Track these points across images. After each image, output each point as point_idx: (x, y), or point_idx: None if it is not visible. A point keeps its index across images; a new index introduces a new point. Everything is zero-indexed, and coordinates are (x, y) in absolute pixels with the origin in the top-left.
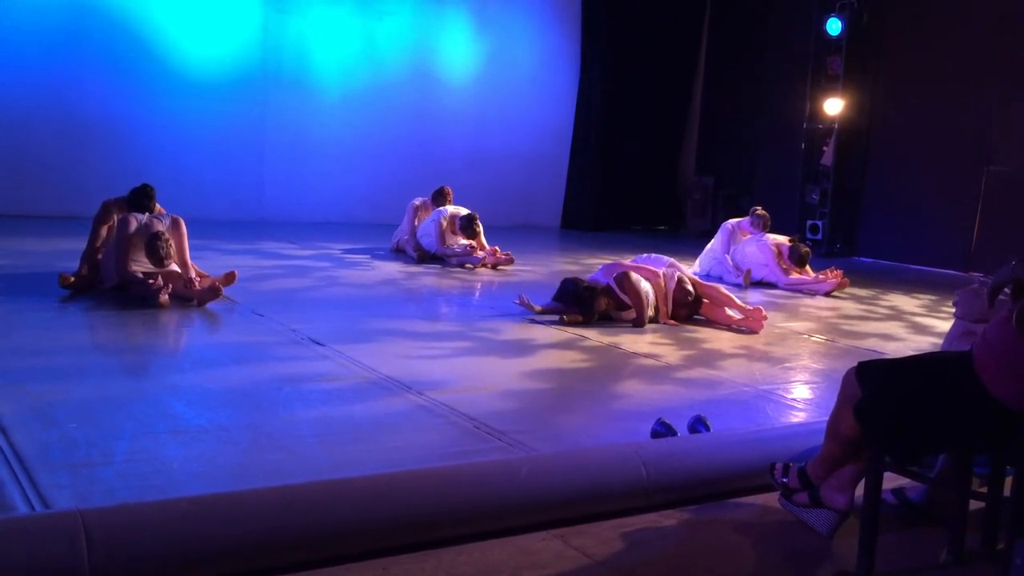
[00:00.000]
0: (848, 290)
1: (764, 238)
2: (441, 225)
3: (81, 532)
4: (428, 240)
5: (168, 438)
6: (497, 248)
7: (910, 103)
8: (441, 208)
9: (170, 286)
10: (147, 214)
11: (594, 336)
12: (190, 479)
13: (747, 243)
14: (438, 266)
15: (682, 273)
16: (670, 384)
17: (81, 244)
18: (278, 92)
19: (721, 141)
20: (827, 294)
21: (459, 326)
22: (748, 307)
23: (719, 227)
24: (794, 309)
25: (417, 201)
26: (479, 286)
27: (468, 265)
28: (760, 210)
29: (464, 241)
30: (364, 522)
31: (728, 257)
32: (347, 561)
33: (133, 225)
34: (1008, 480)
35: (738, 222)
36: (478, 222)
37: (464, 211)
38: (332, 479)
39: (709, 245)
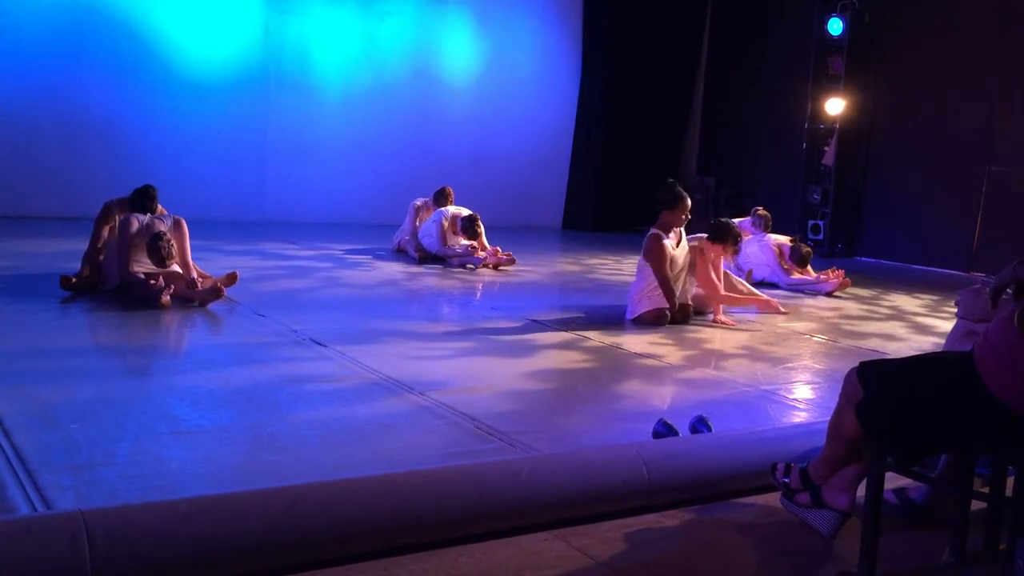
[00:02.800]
0: (850, 290)
1: (765, 238)
2: (442, 226)
3: (83, 533)
4: (429, 240)
5: (170, 439)
6: (498, 248)
7: (911, 103)
8: (442, 209)
9: (172, 287)
10: (149, 215)
11: (595, 336)
12: (192, 480)
13: (748, 243)
14: (439, 267)
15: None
16: (671, 384)
17: (82, 245)
18: (279, 93)
19: (722, 141)
20: (829, 294)
21: (460, 326)
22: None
23: None
24: (795, 309)
25: (419, 201)
26: (480, 287)
27: (469, 265)
28: (761, 210)
29: (465, 242)
30: (366, 523)
31: None
32: (349, 562)
33: (135, 226)
34: (1010, 480)
35: (739, 222)
36: (479, 223)
37: (465, 212)
38: (334, 480)
39: None
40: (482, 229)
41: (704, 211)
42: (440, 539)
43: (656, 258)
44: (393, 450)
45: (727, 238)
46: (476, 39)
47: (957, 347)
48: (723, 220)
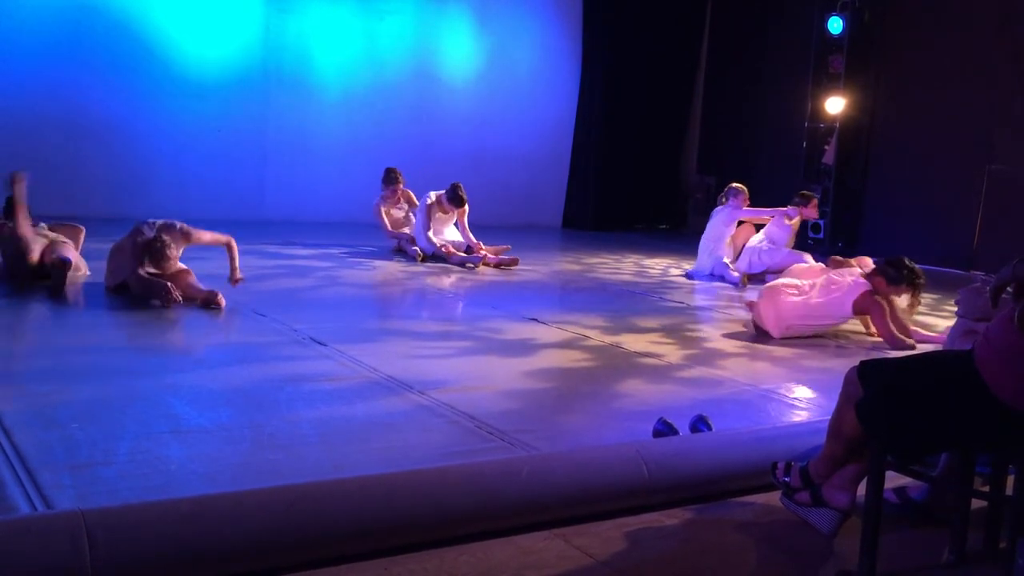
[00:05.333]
0: None
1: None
2: (426, 213)
3: (83, 532)
4: (422, 241)
5: (170, 438)
6: (498, 248)
7: (911, 101)
8: (424, 199)
9: (175, 289)
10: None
11: (596, 335)
12: (192, 479)
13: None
14: (439, 265)
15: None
16: (672, 383)
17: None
18: (279, 92)
19: (722, 140)
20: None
21: (460, 325)
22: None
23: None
24: None
25: (377, 199)
26: (480, 286)
27: (469, 264)
28: (736, 184)
29: (456, 237)
30: (366, 522)
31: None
32: (349, 561)
33: (146, 233)
34: (1010, 479)
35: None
36: (462, 188)
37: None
38: (334, 479)
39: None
40: (465, 195)
41: (704, 210)
42: (440, 538)
43: (882, 318)
44: (393, 449)
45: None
46: (476, 38)
47: (957, 345)
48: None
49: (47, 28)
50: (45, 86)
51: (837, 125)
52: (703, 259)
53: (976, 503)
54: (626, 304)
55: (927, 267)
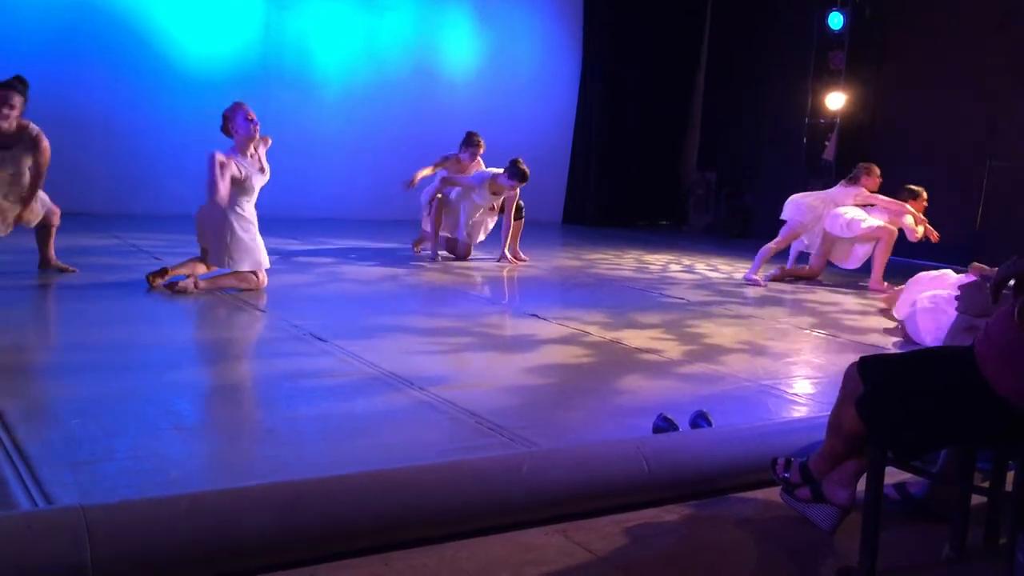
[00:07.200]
0: (850, 285)
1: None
2: (476, 191)
3: (84, 529)
4: (462, 232)
5: (170, 435)
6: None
7: (912, 98)
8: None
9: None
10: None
11: (596, 331)
12: (192, 475)
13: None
14: (439, 263)
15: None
16: (672, 379)
17: (81, 241)
18: (279, 89)
19: (723, 136)
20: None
21: (461, 322)
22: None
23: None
24: (796, 304)
25: (449, 155)
26: (480, 282)
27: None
28: (866, 163)
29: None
30: (366, 518)
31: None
32: (349, 557)
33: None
34: (1010, 475)
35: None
36: (523, 162)
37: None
38: (334, 475)
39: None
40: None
41: (705, 206)
42: (440, 534)
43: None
44: (393, 445)
45: None
46: (477, 34)
47: (957, 341)
48: None
49: (47, 25)
50: (45, 83)
51: (838, 121)
52: (791, 209)
53: (976, 499)
54: (626, 300)
55: (927, 263)
